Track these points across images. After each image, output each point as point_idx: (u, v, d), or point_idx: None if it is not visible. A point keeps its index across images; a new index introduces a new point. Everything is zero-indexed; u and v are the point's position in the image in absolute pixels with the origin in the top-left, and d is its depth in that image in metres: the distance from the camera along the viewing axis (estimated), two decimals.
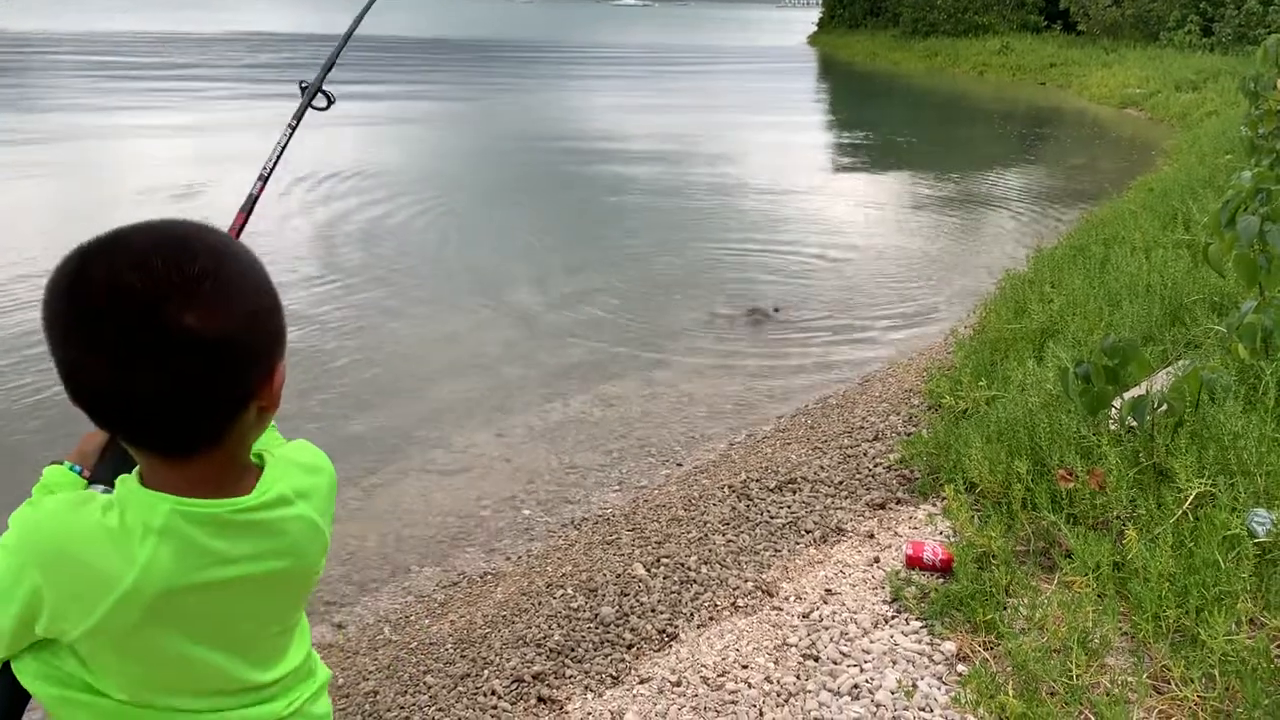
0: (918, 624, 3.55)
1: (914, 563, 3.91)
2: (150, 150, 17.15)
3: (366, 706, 3.44)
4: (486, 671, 3.56)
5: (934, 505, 4.51)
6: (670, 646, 3.61)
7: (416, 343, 7.91)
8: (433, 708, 3.40)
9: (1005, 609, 3.46)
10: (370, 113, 21.63)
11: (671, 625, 3.76)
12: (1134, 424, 4.02)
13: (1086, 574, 3.49)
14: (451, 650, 3.76)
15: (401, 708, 3.42)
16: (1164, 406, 3.95)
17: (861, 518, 4.53)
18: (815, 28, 65.56)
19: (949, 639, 3.42)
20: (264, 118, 17.35)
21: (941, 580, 3.79)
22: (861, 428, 5.71)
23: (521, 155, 18.32)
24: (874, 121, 25.22)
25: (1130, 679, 2.99)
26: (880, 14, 54.25)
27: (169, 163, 15.60)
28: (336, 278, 9.41)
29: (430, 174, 15.72)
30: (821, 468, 5.13)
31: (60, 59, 34.42)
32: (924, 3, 45.99)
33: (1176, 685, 2.96)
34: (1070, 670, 3.03)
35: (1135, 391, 4.17)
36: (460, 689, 3.48)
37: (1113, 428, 4.17)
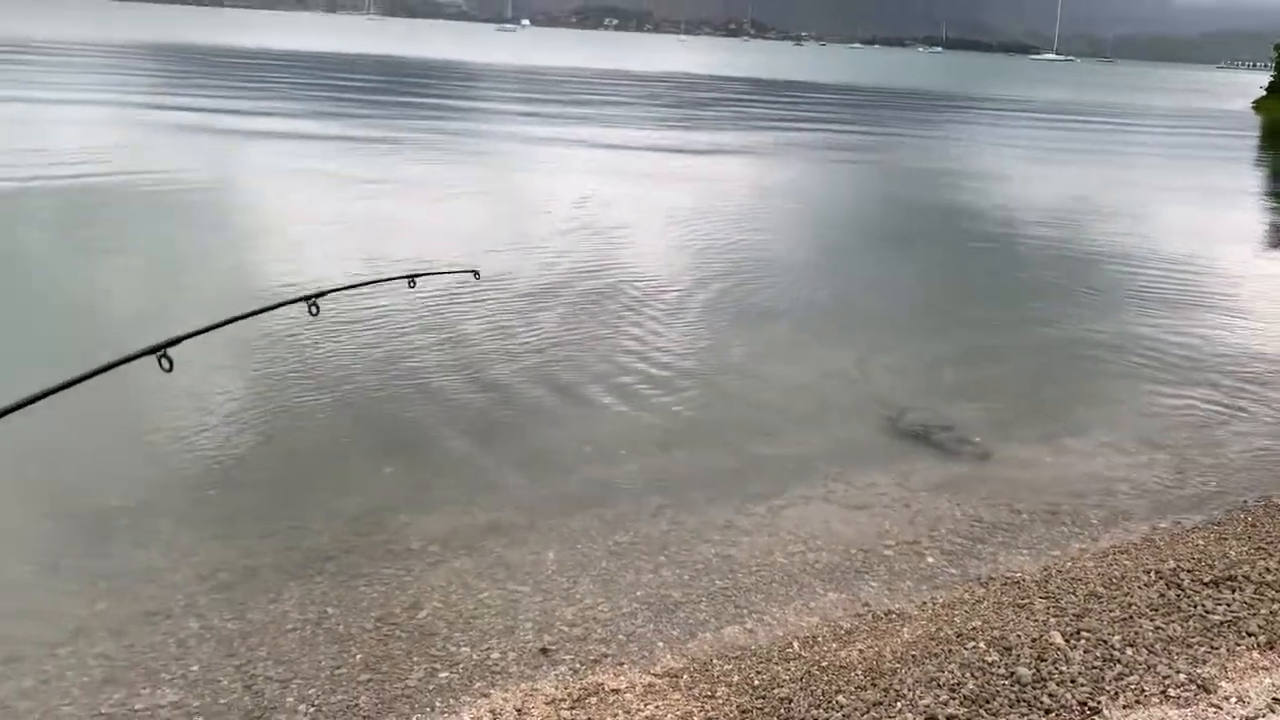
0: None
1: None
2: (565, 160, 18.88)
3: (781, 711, 3.62)
4: (899, 704, 3.62)
5: None
6: None
7: (812, 378, 8.12)
8: None
9: None
10: (773, 157, 22.26)
11: (1094, 700, 3.62)
12: None
13: None
14: (861, 676, 3.85)
15: (815, 719, 3.56)
16: None
17: None
18: (1264, 92, 59.24)
19: None
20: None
21: None
22: None
23: (915, 206, 18.10)
24: None
25: None
26: None
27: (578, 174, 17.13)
28: (727, 307, 9.90)
29: (821, 214, 16.03)
30: (1268, 570, 4.70)
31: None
32: None
33: None
34: None
35: None
36: (873, 714, 3.57)
37: None
